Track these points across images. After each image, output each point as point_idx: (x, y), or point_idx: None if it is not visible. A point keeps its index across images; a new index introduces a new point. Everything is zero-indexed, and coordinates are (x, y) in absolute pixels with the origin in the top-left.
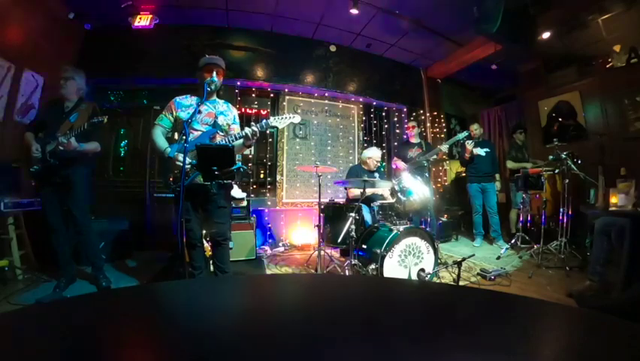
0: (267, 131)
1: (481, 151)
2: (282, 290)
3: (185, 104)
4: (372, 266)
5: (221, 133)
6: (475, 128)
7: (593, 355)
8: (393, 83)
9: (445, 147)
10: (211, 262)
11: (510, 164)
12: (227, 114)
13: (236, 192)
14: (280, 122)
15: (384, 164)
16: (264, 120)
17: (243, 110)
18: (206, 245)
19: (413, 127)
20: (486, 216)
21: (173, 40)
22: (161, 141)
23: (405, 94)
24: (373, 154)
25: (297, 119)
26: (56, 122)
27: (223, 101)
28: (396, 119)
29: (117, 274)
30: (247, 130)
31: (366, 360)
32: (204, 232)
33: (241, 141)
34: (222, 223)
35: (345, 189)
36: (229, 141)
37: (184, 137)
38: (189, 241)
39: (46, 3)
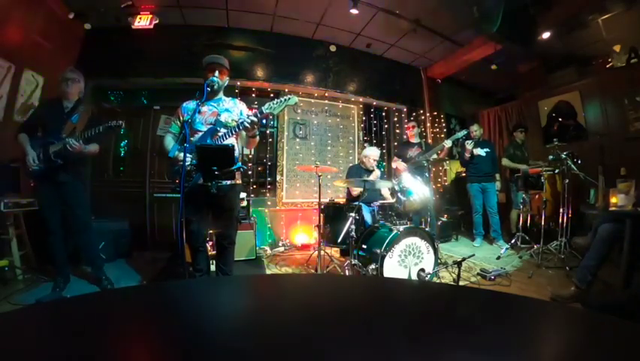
0: (267, 132)
1: (481, 151)
2: (282, 290)
3: (190, 108)
4: (372, 266)
5: (223, 130)
6: (475, 130)
7: (593, 355)
8: (393, 83)
9: (448, 143)
10: (212, 262)
11: (505, 162)
12: (233, 110)
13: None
14: (275, 107)
15: (383, 164)
16: (260, 108)
17: None
18: (208, 246)
19: (413, 127)
20: (486, 216)
21: (173, 40)
22: (167, 145)
23: (405, 94)
24: (370, 153)
25: (292, 100)
26: (56, 123)
27: (230, 98)
28: (396, 119)
29: (117, 274)
30: (246, 120)
31: (366, 360)
32: (210, 232)
33: (244, 134)
34: (229, 227)
35: (348, 188)
36: (229, 133)
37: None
38: (193, 244)
39: (46, 3)
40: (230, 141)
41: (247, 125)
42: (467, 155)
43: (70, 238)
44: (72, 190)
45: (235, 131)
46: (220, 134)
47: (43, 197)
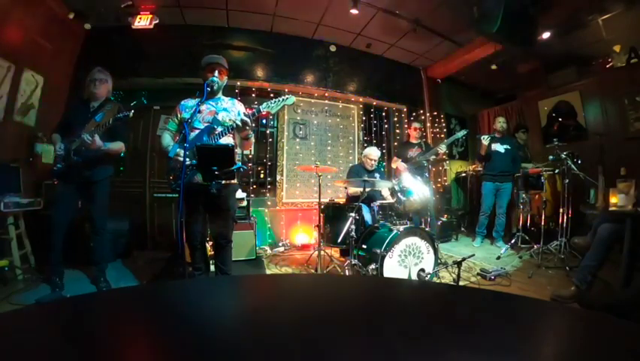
0: (267, 132)
1: (500, 148)
2: (282, 290)
3: (188, 106)
4: (372, 266)
5: (219, 128)
6: (500, 121)
7: (593, 355)
8: (393, 83)
9: (442, 148)
10: (212, 262)
11: None
12: (231, 110)
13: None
14: (273, 106)
15: (383, 164)
16: (257, 107)
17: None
18: (207, 246)
19: (416, 129)
20: (491, 217)
21: (173, 40)
22: (165, 143)
23: (405, 94)
24: (368, 153)
25: (290, 100)
26: (81, 122)
27: (229, 98)
28: (396, 119)
29: (117, 274)
30: (236, 120)
31: (366, 360)
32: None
33: (240, 134)
34: (225, 226)
35: (345, 188)
36: (225, 132)
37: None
38: (191, 243)
39: (46, 3)
40: (229, 140)
41: (238, 124)
42: (482, 152)
43: (79, 238)
44: (93, 190)
45: (230, 129)
46: (217, 132)
47: (59, 196)
